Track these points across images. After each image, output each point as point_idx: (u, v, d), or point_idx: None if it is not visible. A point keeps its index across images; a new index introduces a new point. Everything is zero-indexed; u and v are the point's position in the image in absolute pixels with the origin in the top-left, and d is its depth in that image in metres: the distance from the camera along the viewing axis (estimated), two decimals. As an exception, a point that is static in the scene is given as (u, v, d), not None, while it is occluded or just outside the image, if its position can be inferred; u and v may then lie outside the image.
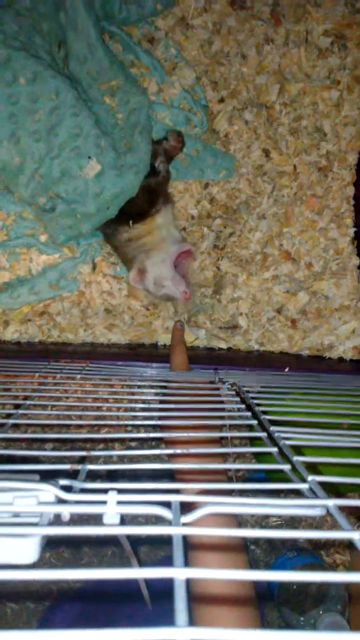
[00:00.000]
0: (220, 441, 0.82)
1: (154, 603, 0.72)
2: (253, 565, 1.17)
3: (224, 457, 0.86)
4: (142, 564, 1.09)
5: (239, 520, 0.87)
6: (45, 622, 1.08)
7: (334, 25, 1.24)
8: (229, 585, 0.69)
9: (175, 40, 1.23)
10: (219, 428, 0.85)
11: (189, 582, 0.67)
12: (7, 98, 1.03)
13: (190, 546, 0.70)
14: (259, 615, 0.71)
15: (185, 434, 0.56)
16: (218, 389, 0.80)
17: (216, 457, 0.79)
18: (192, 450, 0.50)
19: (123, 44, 1.19)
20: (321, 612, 0.99)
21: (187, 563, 0.27)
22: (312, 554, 1.14)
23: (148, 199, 1.12)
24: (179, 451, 0.50)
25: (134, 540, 0.89)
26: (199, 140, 1.21)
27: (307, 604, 1.01)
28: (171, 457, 0.83)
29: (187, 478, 0.74)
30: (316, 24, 1.25)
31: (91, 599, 0.89)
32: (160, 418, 0.77)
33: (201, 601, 0.67)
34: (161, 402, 0.80)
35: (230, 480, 0.87)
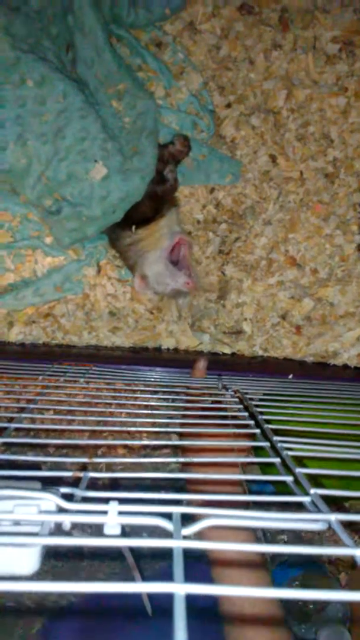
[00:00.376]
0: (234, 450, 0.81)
1: (157, 618, 0.71)
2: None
3: (239, 468, 0.85)
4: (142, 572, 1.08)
5: (257, 536, 0.86)
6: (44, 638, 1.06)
7: (343, 32, 1.24)
8: (258, 604, 0.67)
9: (183, 45, 1.23)
10: (233, 437, 0.84)
11: (218, 600, 0.66)
12: (15, 100, 1.03)
13: (212, 562, 0.69)
14: (289, 637, 0.70)
15: (205, 442, 0.56)
16: (221, 395, 0.80)
17: (232, 468, 0.78)
18: (194, 460, 0.49)
19: (131, 48, 1.20)
20: (322, 621, 0.99)
21: (198, 578, 0.26)
22: (314, 562, 1.13)
23: (153, 206, 1.12)
24: (181, 460, 0.50)
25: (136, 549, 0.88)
26: (206, 145, 1.21)
27: (309, 613, 1.01)
28: (184, 466, 0.82)
29: (201, 489, 0.74)
30: (324, 31, 1.24)
31: (91, 614, 0.88)
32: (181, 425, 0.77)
33: (231, 620, 0.66)
34: (184, 416, 0.80)
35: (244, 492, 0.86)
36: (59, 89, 1.02)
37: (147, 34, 1.22)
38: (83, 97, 1.04)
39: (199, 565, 0.52)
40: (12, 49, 1.00)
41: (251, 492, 1.02)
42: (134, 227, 1.12)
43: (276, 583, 1.10)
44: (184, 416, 0.72)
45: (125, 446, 1.25)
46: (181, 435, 0.78)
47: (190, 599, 0.25)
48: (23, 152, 1.04)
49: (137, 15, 1.18)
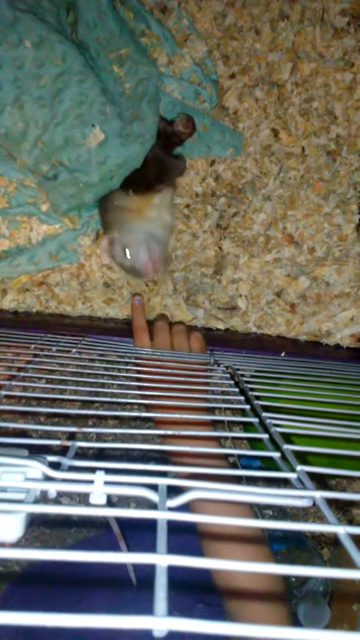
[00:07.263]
0: (212, 424, 0.82)
1: (140, 590, 0.72)
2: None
3: (218, 441, 0.85)
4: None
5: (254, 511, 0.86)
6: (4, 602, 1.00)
7: (352, 5, 1.21)
8: (257, 579, 0.68)
9: (188, 11, 1.20)
10: (209, 410, 0.85)
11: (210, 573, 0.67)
12: (12, 62, 1.00)
13: (206, 535, 0.69)
14: (288, 612, 0.71)
15: (174, 416, 0.56)
16: (213, 370, 0.80)
17: (210, 441, 0.78)
18: (182, 432, 0.49)
19: (134, 12, 1.16)
20: (303, 594, 1.01)
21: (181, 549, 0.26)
22: (297, 537, 1.15)
23: (158, 173, 1.09)
24: (170, 432, 0.50)
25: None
26: (207, 115, 1.19)
27: (290, 586, 1.02)
28: (163, 438, 0.82)
29: (182, 461, 0.74)
30: (333, 3, 1.21)
31: (68, 581, 0.87)
32: (143, 397, 0.77)
33: (229, 594, 0.66)
34: (139, 380, 0.80)
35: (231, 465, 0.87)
36: (58, 51, 1.00)
37: (152, -2, 1.19)
38: (82, 60, 1.02)
39: (187, 537, 0.52)
40: (10, 7, 0.96)
41: (239, 467, 1.04)
42: (130, 191, 1.09)
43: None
44: (160, 389, 0.72)
45: (115, 417, 1.25)
46: (156, 407, 0.78)
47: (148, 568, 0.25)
48: (20, 116, 1.02)
49: (142, -22, 1.14)
